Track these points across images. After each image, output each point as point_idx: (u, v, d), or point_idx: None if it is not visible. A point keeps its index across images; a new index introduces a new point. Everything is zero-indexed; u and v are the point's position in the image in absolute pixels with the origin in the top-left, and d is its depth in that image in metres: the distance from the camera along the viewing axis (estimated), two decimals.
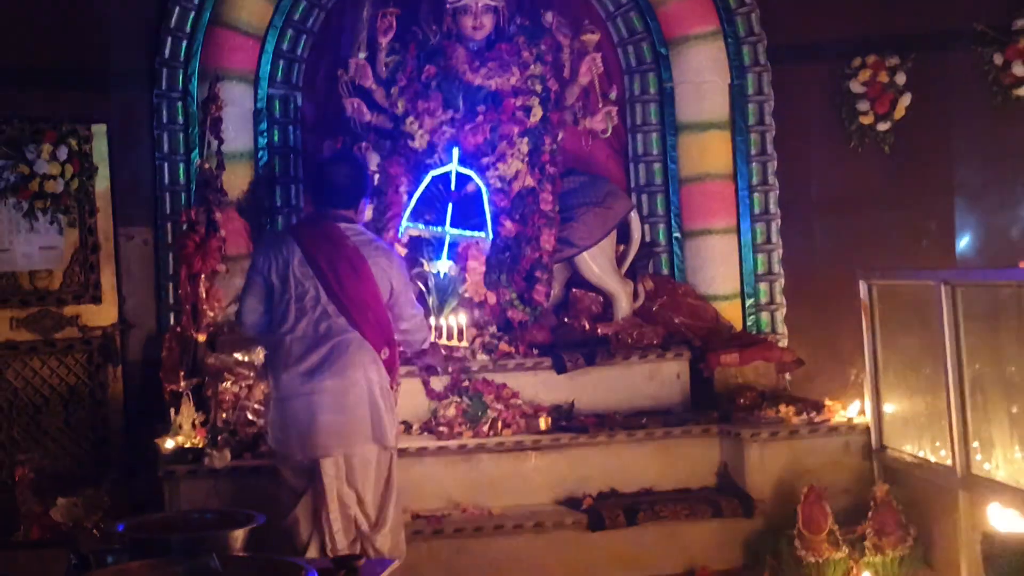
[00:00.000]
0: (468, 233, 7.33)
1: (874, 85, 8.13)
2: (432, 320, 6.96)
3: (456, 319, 7.09)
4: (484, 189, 7.35)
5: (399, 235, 7.33)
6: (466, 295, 7.32)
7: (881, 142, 8.18)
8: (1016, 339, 5.54)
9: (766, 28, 8.14)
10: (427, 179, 7.33)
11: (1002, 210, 8.22)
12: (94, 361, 7.62)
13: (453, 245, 7.30)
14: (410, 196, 7.41)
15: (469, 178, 7.34)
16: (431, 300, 7.11)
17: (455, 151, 7.36)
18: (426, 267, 7.20)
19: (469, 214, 7.36)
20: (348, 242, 5.60)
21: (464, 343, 7.10)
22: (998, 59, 8.12)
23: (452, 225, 7.28)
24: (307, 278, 5.54)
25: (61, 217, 7.53)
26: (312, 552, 5.48)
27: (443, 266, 7.21)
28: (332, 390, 5.45)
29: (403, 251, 7.21)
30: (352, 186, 5.75)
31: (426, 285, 7.16)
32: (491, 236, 7.36)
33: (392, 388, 5.65)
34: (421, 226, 7.32)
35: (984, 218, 8.25)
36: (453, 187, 7.33)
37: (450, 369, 7.06)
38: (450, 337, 7.05)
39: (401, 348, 5.90)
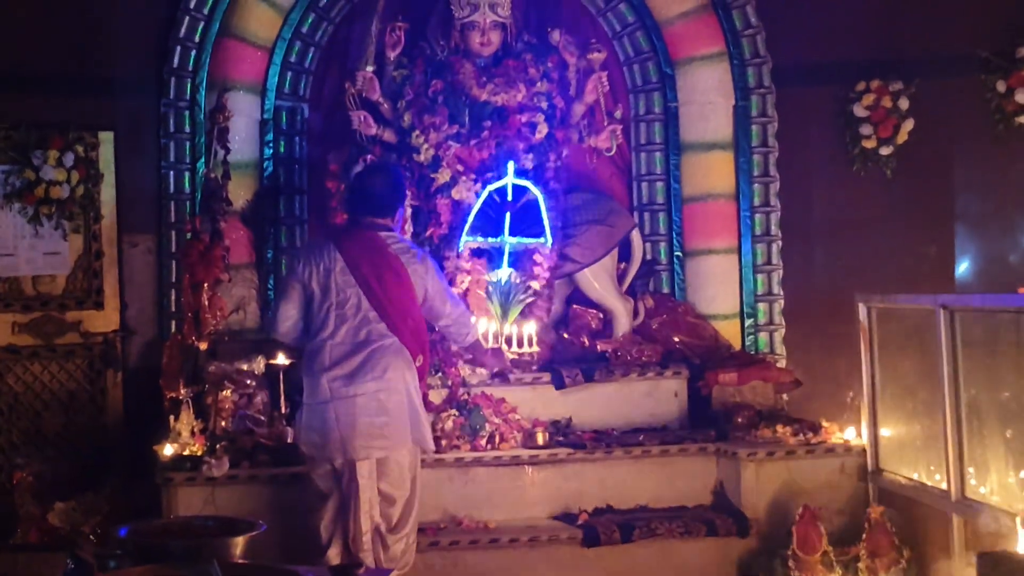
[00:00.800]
0: (528, 240, 7.45)
1: (878, 110, 8.16)
2: (495, 326, 7.15)
3: (523, 327, 7.21)
4: (541, 198, 7.43)
5: (459, 249, 7.43)
6: (529, 300, 7.44)
7: (883, 166, 8.21)
8: (1013, 365, 5.56)
9: (771, 50, 8.18)
10: (485, 193, 7.44)
11: (1002, 237, 8.22)
12: (95, 367, 7.65)
13: (512, 254, 7.41)
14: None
15: (525, 189, 7.43)
16: (495, 308, 7.25)
17: (510, 164, 7.44)
18: (488, 276, 7.32)
19: (525, 223, 7.49)
20: (389, 250, 5.73)
21: (535, 348, 7.21)
22: (1001, 86, 8.13)
23: (511, 234, 7.40)
24: (349, 286, 5.66)
25: (66, 223, 7.56)
26: (334, 553, 5.62)
27: (503, 274, 7.36)
28: (373, 392, 5.55)
29: (467, 264, 7.41)
30: (390, 195, 5.88)
31: (488, 294, 7.30)
32: (550, 242, 7.45)
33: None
34: (480, 238, 7.42)
35: (984, 245, 8.26)
36: (510, 198, 7.41)
37: (511, 377, 7.24)
38: (520, 344, 7.17)
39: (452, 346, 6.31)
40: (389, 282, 5.66)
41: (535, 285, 7.49)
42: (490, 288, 7.37)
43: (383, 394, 5.57)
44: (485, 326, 7.13)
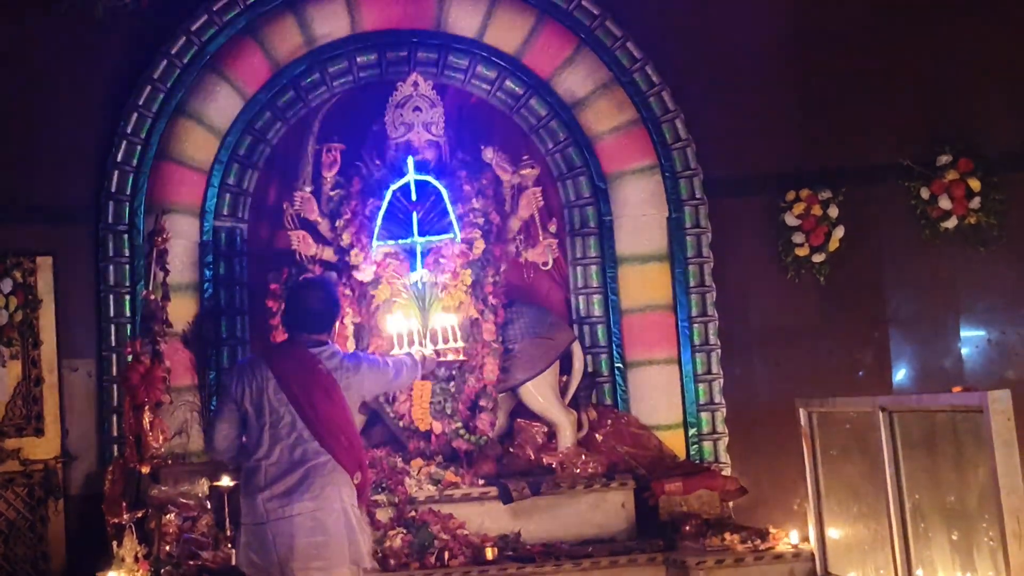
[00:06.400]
0: (437, 237, 7.50)
1: (808, 218, 8.33)
2: (417, 325, 7.13)
3: (444, 322, 7.17)
4: (444, 191, 7.49)
5: (371, 255, 7.47)
6: (445, 298, 7.48)
7: (817, 273, 8.36)
8: (953, 465, 5.62)
9: (702, 162, 8.34)
10: (388, 194, 7.50)
11: (936, 340, 8.37)
12: (35, 495, 7.54)
13: (424, 253, 7.46)
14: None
15: (428, 184, 7.51)
16: (415, 311, 7.24)
17: (410, 160, 7.52)
18: (404, 281, 7.35)
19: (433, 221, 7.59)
20: (321, 367, 5.67)
21: (460, 343, 7.18)
22: (925, 193, 8.33)
23: (420, 234, 7.45)
24: (282, 404, 5.59)
25: (4, 349, 7.51)
26: None
27: (417, 275, 7.40)
28: (310, 511, 5.47)
29: (371, 269, 7.50)
30: (325, 311, 5.86)
31: (405, 296, 7.35)
32: (459, 236, 7.52)
33: (361, 509, 5.68)
34: (391, 242, 7.44)
35: (918, 348, 8.39)
36: (414, 197, 7.46)
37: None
38: (445, 340, 7.12)
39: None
40: (319, 400, 5.61)
41: (446, 279, 7.52)
42: (407, 289, 7.35)
43: (320, 513, 5.49)
44: (407, 325, 7.12)
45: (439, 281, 7.50)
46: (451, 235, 7.56)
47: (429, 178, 7.55)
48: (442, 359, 7.10)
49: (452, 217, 7.56)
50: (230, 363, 7.95)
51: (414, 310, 7.35)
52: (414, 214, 7.58)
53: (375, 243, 7.57)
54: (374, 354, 6.67)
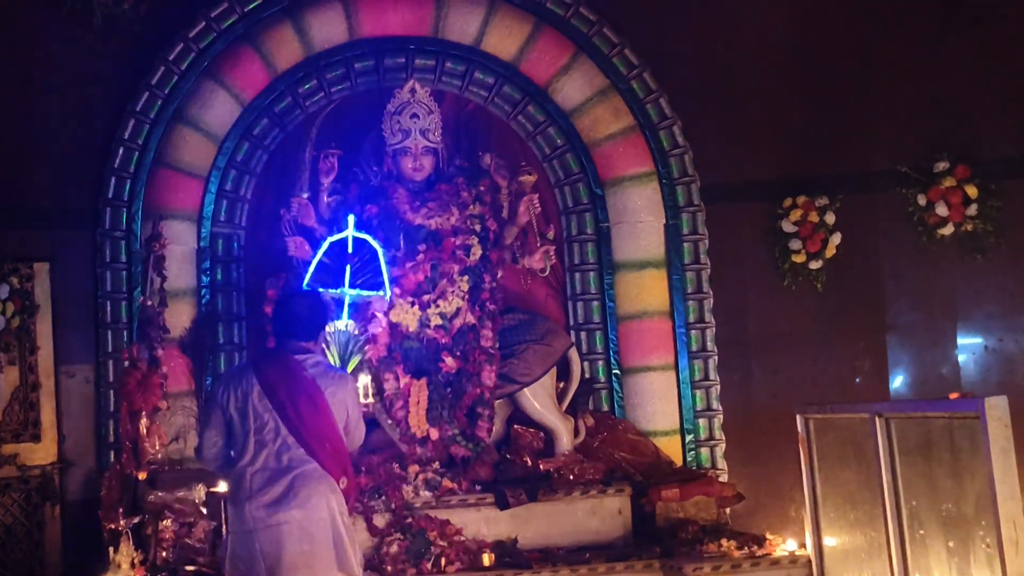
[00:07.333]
0: (368, 292, 7.48)
1: (805, 225, 8.35)
2: None
3: (361, 378, 7.23)
4: (380, 251, 7.48)
5: None
6: (368, 355, 7.47)
7: (814, 280, 8.38)
8: (949, 471, 5.63)
9: (699, 169, 8.36)
10: (325, 245, 7.47)
11: (933, 347, 8.40)
12: (32, 500, 7.53)
13: (352, 305, 7.45)
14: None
15: (366, 243, 7.49)
16: (332, 358, 7.22)
17: (351, 217, 7.50)
18: (328, 328, 7.27)
19: (367, 275, 7.51)
20: (306, 374, 5.64)
21: (371, 399, 7.24)
22: (922, 200, 8.36)
23: (351, 286, 7.41)
24: (266, 411, 5.57)
25: (1, 355, 7.50)
26: None
27: (342, 324, 7.37)
28: (297, 520, 5.44)
29: None
30: (314, 318, 5.84)
31: (327, 344, 7.27)
32: (388, 295, 7.51)
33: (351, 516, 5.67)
34: (322, 289, 7.40)
35: (916, 355, 8.41)
36: (351, 250, 7.45)
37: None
38: (365, 396, 7.18)
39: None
40: (303, 407, 5.58)
41: (374, 330, 7.52)
42: (328, 338, 7.32)
43: (307, 521, 5.46)
44: None
45: (362, 336, 7.51)
46: (381, 292, 7.51)
47: (367, 237, 7.51)
48: None
49: (384, 275, 7.52)
50: (227, 369, 7.94)
51: (333, 358, 7.34)
52: (348, 267, 7.50)
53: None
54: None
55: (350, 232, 7.48)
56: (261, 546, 5.45)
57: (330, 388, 5.65)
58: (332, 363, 7.14)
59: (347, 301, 7.45)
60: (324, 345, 7.24)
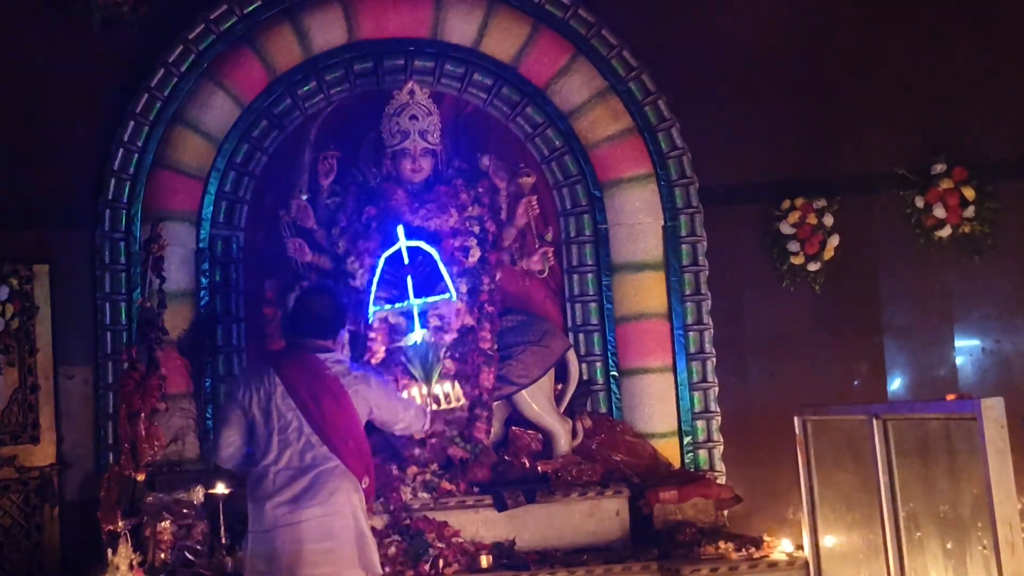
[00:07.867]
0: (433, 298, 7.42)
1: (803, 227, 8.36)
2: (425, 390, 6.99)
3: (445, 386, 7.22)
4: (436, 255, 7.46)
5: (369, 322, 7.41)
6: (447, 358, 7.41)
7: (812, 282, 8.39)
8: (947, 473, 5.64)
9: (697, 171, 8.35)
10: (381, 262, 7.44)
11: (930, 348, 8.41)
12: (31, 502, 7.54)
13: (422, 314, 7.39)
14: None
15: (420, 250, 7.46)
16: (416, 371, 7.09)
17: (400, 228, 7.46)
18: (402, 342, 7.28)
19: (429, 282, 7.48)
20: (328, 372, 5.66)
21: (462, 400, 7.27)
22: (919, 202, 8.37)
23: (416, 296, 7.37)
24: (290, 410, 5.58)
25: (0, 357, 7.50)
26: None
27: (417, 336, 7.28)
28: (318, 517, 5.46)
29: (377, 337, 7.40)
30: (332, 316, 5.86)
31: (407, 359, 7.18)
32: (454, 295, 7.46)
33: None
34: (388, 306, 7.39)
35: (913, 357, 8.43)
36: (406, 261, 7.42)
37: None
38: (448, 402, 7.17)
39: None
40: (327, 405, 5.60)
41: (448, 339, 7.48)
42: (409, 353, 7.25)
43: (329, 518, 5.48)
44: (414, 391, 7.11)
45: (440, 344, 7.45)
46: (447, 294, 7.47)
47: (420, 243, 7.49)
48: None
49: (445, 277, 7.48)
50: (226, 371, 7.97)
51: (418, 372, 7.28)
52: (408, 278, 7.46)
53: (372, 309, 7.49)
54: (386, 377, 6.61)
55: (402, 243, 7.43)
56: (281, 544, 5.45)
57: (352, 386, 5.67)
58: (417, 376, 7.08)
59: (415, 312, 7.38)
60: (405, 359, 7.21)
